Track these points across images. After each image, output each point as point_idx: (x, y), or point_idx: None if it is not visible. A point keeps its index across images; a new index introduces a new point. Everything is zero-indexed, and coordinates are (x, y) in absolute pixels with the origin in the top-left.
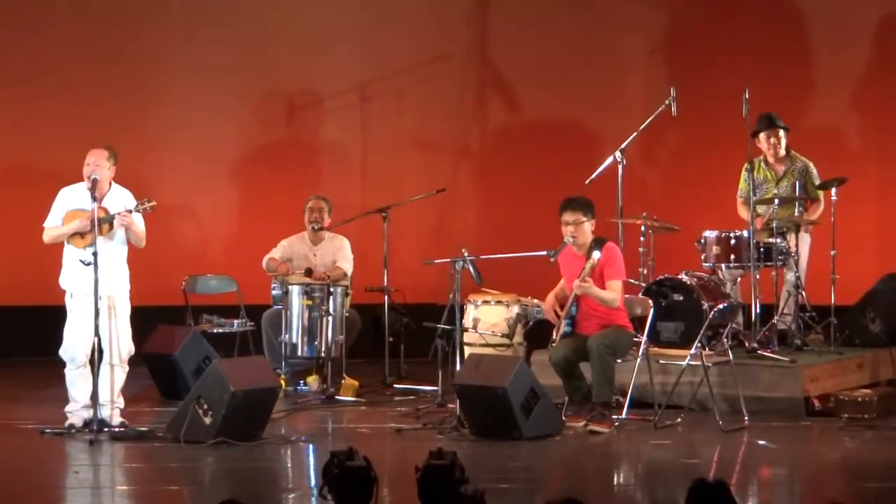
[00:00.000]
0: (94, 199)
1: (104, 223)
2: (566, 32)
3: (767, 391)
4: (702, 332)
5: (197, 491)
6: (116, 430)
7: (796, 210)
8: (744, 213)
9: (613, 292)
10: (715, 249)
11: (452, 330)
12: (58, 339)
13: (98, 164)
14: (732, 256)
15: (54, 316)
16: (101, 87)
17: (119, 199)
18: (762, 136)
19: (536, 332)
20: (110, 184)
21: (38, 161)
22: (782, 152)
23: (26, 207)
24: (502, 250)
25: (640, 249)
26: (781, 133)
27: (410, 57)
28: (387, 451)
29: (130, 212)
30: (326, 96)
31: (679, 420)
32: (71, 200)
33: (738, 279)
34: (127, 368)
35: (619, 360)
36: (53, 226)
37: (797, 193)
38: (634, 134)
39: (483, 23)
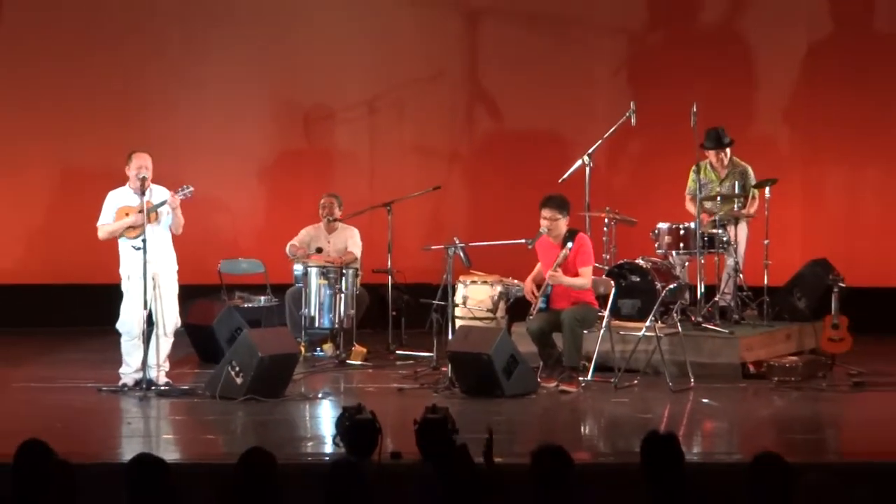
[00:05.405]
0: (142, 194)
1: (153, 211)
2: (544, 55)
3: (710, 358)
4: (655, 307)
5: (229, 439)
6: (163, 388)
7: (736, 206)
8: (690, 208)
9: (584, 278)
10: (667, 238)
11: (445, 305)
12: (112, 313)
13: (148, 166)
14: (682, 244)
15: (110, 293)
16: (145, 100)
17: (159, 193)
18: (711, 153)
19: (516, 308)
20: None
21: (89, 164)
22: (727, 161)
23: (83, 203)
24: (488, 238)
25: (604, 238)
26: (727, 149)
27: (411, 75)
28: (390, 407)
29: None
30: (339, 109)
31: (636, 382)
32: (119, 200)
33: (686, 263)
34: (173, 339)
35: (586, 331)
36: (107, 223)
37: (737, 192)
38: (600, 141)
39: (473, 46)
